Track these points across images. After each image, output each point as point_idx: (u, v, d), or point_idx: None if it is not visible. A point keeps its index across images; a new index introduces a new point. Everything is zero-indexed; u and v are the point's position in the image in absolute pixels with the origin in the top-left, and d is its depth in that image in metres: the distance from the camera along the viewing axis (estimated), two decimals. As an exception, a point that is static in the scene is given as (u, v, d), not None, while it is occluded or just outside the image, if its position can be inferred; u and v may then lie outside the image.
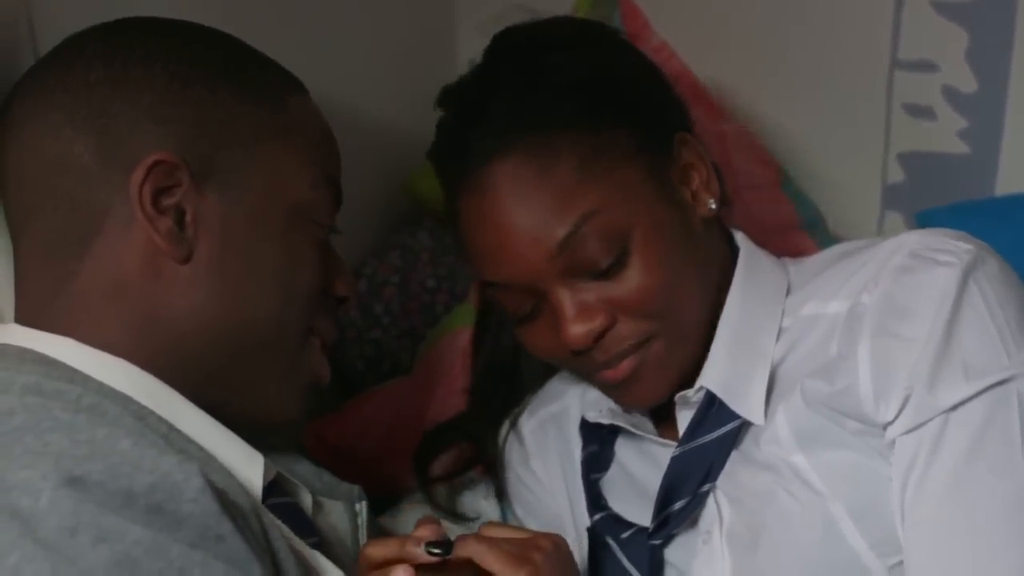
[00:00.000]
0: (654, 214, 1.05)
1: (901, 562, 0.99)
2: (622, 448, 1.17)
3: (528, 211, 1.03)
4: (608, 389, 1.12)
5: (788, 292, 1.11)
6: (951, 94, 1.51)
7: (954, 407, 0.95)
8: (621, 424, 1.13)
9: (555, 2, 1.68)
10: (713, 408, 1.06)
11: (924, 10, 1.50)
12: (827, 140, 1.59)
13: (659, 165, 1.08)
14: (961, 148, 1.51)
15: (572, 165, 1.03)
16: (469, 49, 1.75)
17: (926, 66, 1.52)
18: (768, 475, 1.04)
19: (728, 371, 1.07)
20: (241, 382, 0.97)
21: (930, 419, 0.96)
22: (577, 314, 1.04)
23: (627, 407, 1.14)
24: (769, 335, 1.08)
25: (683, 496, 1.06)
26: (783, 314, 1.09)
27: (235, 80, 0.98)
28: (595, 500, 1.14)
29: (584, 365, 1.09)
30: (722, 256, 1.12)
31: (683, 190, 1.09)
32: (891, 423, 0.98)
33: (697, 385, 1.07)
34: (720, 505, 1.07)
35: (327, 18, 1.47)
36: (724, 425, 1.06)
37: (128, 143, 0.92)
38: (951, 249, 1.00)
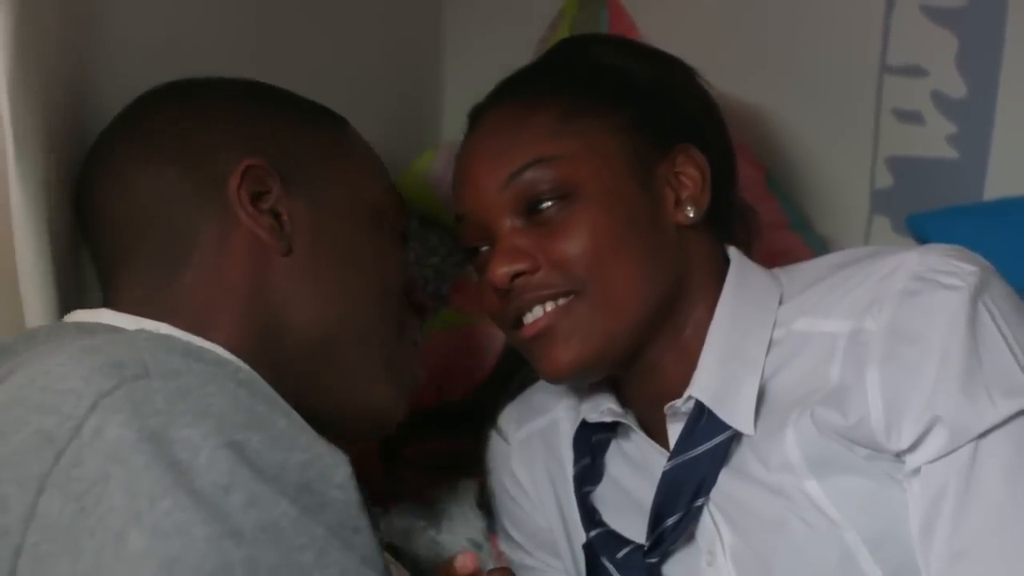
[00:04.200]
0: (616, 185, 1.08)
1: None
2: (613, 461, 1.16)
3: (495, 145, 1.11)
4: (530, 355, 1.11)
5: (780, 302, 1.10)
6: (940, 99, 1.50)
7: (984, 433, 0.94)
8: (623, 420, 1.12)
9: (541, 4, 1.69)
10: (703, 419, 1.05)
11: (914, 15, 1.49)
12: (816, 144, 1.58)
13: (647, 155, 1.10)
14: (950, 153, 1.51)
15: (554, 113, 1.09)
16: (455, 55, 1.76)
17: (915, 71, 1.51)
18: (779, 501, 1.03)
19: (717, 380, 1.06)
20: (345, 382, 1.02)
21: (960, 446, 0.95)
22: (504, 253, 1.08)
23: (548, 379, 1.12)
24: (759, 344, 1.07)
25: (676, 511, 1.05)
26: (775, 325, 1.08)
27: (296, 108, 1.08)
28: (590, 516, 1.14)
29: (509, 313, 1.10)
30: (705, 270, 1.12)
31: (666, 190, 1.11)
32: (908, 451, 0.97)
33: (686, 395, 1.06)
34: (717, 522, 1.06)
35: (314, 25, 1.46)
36: (715, 437, 1.05)
37: (215, 161, 1.00)
38: (955, 271, 0.99)
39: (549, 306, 1.07)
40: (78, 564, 0.70)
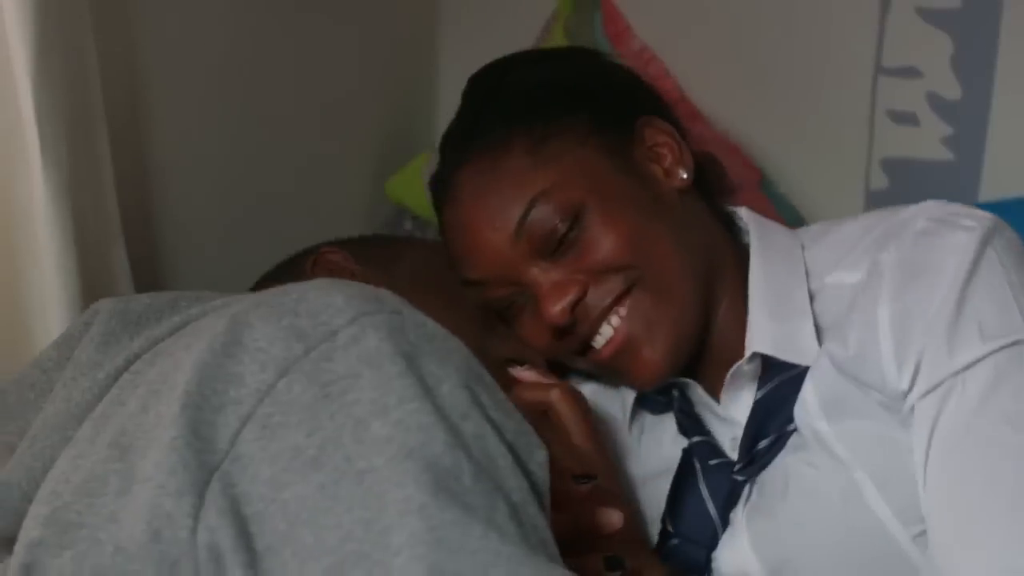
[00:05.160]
0: (609, 186, 1.09)
1: (924, 532, 0.99)
2: (662, 435, 1.18)
3: (487, 204, 1.10)
4: (612, 374, 1.13)
5: (803, 248, 1.13)
6: (935, 101, 1.50)
7: (967, 367, 0.96)
8: (678, 379, 1.13)
9: (536, 5, 1.69)
10: (773, 365, 1.07)
11: (909, 17, 1.49)
12: (811, 146, 1.59)
13: (618, 145, 1.12)
14: (945, 155, 1.51)
15: (523, 151, 1.09)
16: (450, 58, 1.76)
17: (910, 72, 1.51)
18: (791, 445, 1.05)
19: (773, 331, 1.08)
20: None
21: (944, 380, 0.97)
22: (550, 290, 1.08)
23: (645, 384, 1.12)
24: (801, 291, 1.10)
25: (769, 434, 1.07)
26: (808, 275, 1.11)
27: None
28: (694, 425, 1.14)
29: (576, 345, 1.10)
30: (716, 228, 1.15)
31: (651, 167, 1.13)
32: (910, 390, 0.99)
33: (748, 354, 1.08)
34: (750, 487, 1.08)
35: (310, 27, 1.46)
36: (791, 370, 1.07)
37: None
38: (972, 215, 1.03)
39: (615, 319, 1.08)
40: (313, 437, 0.75)
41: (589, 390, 1.22)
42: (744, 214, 1.17)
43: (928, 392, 0.97)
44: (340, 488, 0.73)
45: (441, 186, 1.16)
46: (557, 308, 1.07)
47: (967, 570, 0.93)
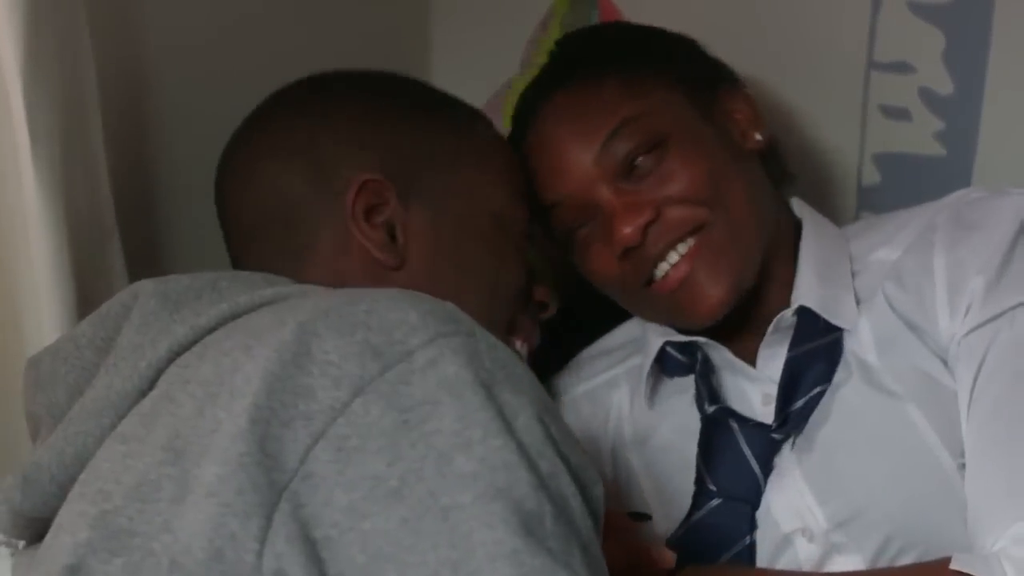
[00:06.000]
0: (694, 126, 1.16)
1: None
2: (677, 415, 1.21)
3: (577, 122, 1.16)
4: (669, 309, 1.16)
5: (847, 239, 1.20)
6: (927, 95, 1.50)
7: (1017, 306, 1.03)
8: (703, 340, 1.17)
9: (533, 2, 1.69)
10: (812, 324, 1.12)
11: (901, 11, 1.49)
12: (802, 140, 1.58)
13: (703, 100, 1.19)
14: (937, 150, 1.51)
15: (616, 84, 1.16)
16: (443, 56, 1.76)
17: (902, 67, 1.51)
18: (839, 375, 1.10)
19: (819, 292, 1.13)
20: None
21: (993, 317, 1.03)
22: (624, 211, 1.12)
23: (702, 320, 1.16)
24: (845, 265, 1.16)
25: (801, 395, 1.10)
26: (852, 259, 1.17)
27: (425, 110, 1.10)
28: (713, 395, 1.16)
29: (640, 274, 1.14)
30: (777, 195, 1.22)
31: (729, 126, 1.20)
32: (959, 331, 1.05)
33: (794, 305, 1.12)
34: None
35: (301, 25, 1.47)
36: (826, 336, 1.11)
37: (336, 168, 1.04)
38: (1014, 189, 1.12)
39: (683, 248, 1.13)
40: (394, 467, 0.74)
41: (583, 392, 1.23)
42: (796, 203, 1.24)
43: (976, 328, 1.04)
44: (424, 523, 0.72)
45: (528, 110, 1.20)
46: (629, 228, 1.11)
47: (992, 493, 0.97)
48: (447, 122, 1.11)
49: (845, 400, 1.10)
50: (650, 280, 1.15)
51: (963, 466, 1.04)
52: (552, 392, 1.31)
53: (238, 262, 1.08)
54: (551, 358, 1.33)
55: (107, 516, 0.76)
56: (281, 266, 1.01)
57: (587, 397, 1.28)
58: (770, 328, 1.13)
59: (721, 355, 1.17)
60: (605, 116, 1.14)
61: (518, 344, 1.10)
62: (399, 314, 0.79)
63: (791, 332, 1.13)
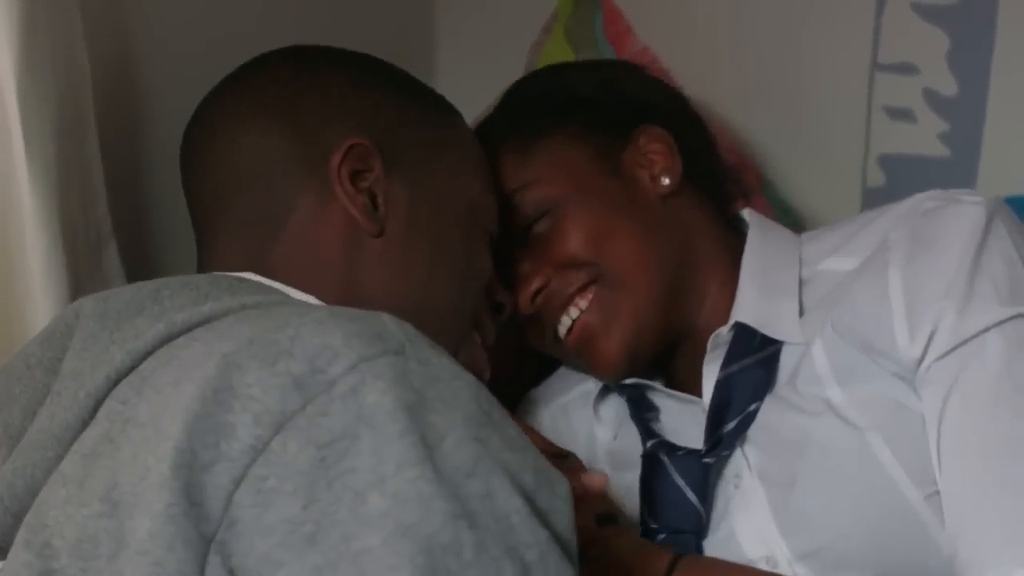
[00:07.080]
0: (587, 185, 1.16)
1: (936, 492, 1.01)
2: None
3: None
4: (577, 359, 1.18)
5: (802, 244, 1.18)
6: (931, 97, 1.50)
7: (986, 329, 0.99)
8: (631, 381, 1.18)
9: (536, 5, 1.69)
10: (748, 340, 1.11)
11: (905, 13, 1.49)
12: (807, 143, 1.58)
13: (608, 149, 1.19)
14: (941, 151, 1.50)
15: (511, 151, 1.17)
16: (448, 60, 1.77)
17: (906, 69, 1.51)
18: (801, 417, 1.07)
19: (758, 305, 1.13)
20: None
21: (963, 342, 0.99)
22: (518, 280, 1.16)
23: (599, 378, 1.20)
24: (791, 277, 1.14)
25: (734, 415, 1.10)
26: (801, 264, 1.15)
27: (411, 90, 1.10)
28: (648, 432, 1.17)
29: (547, 334, 1.17)
30: (710, 233, 1.20)
31: (639, 171, 1.19)
32: (924, 354, 1.01)
33: (730, 322, 1.12)
34: (747, 455, 1.10)
35: (304, 25, 1.47)
36: (763, 350, 1.11)
37: (322, 131, 1.02)
38: (974, 194, 1.09)
39: (574, 311, 1.15)
40: (308, 511, 0.70)
41: (559, 405, 1.25)
42: (747, 214, 1.23)
43: (946, 354, 1.00)
44: (337, 572, 0.69)
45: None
46: (520, 297, 1.15)
47: (986, 536, 0.95)
48: (432, 108, 1.11)
49: (806, 432, 1.07)
50: (558, 340, 1.17)
51: (932, 495, 1.02)
52: (532, 402, 1.32)
53: (205, 235, 1.04)
54: (540, 369, 1.34)
55: (54, 575, 0.74)
56: (253, 236, 1.00)
57: (562, 410, 1.29)
58: (708, 347, 1.13)
59: (656, 392, 1.18)
60: (502, 184, 1.17)
61: (478, 338, 1.10)
62: (323, 339, 0.76)
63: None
